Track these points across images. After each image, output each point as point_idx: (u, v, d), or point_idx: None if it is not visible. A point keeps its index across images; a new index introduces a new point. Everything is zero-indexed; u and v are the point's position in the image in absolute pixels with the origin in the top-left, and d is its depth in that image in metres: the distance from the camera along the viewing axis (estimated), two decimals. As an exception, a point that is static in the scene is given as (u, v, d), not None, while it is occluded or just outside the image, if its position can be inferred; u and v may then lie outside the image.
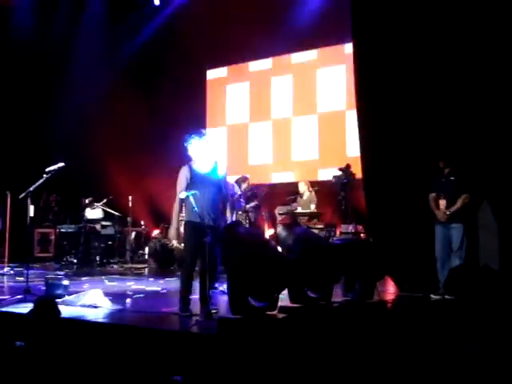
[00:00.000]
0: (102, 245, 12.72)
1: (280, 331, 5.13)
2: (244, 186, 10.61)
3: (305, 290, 5.80)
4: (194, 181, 6.26)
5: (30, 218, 8.08)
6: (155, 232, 12.86)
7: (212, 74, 14.60)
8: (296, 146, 13.27)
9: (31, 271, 8.28)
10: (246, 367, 4.67)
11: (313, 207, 10.67)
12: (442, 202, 7.42)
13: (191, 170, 6.31)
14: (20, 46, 13.82)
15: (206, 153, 6.36)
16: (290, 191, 11.29)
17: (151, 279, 9.83)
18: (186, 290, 6.22)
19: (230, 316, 5.24)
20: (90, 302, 6.78)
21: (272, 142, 13.63)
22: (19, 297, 7.28)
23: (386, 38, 8.03)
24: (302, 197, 10.92)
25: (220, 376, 4.76)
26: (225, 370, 4.74)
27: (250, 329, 5.05)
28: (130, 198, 12.49)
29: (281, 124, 13.52)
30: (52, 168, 7.72)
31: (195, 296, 6.35)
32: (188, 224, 6.30)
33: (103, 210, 12.42)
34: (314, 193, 10.81)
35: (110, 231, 12.86)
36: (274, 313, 5.47)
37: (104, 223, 12.64)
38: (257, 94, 13.91)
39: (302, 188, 10.94)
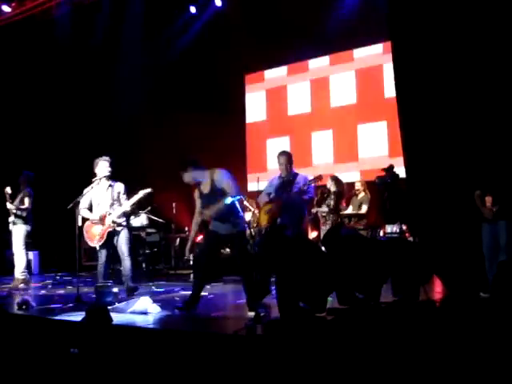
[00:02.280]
0: (148, 251, 12.88)
1: (329, 333, 5.13)
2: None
3: (352, 292, 5.80)
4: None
5: (78, 227, 8.22)
6: (199, 238, 12.95)
7: (250, 79, 14.68)
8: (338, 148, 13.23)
9: (80, 280, 8.44)
10: (295, 370, 4.68)
11: (365, 208, 10.59)
12: (489, 199, 7.32)
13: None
14: (63, 57, 14.10)
15: None
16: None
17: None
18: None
19: (279, 318, 5.27)
20: (139, 308, 6.87)
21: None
22: (70, 305, 7.45)
23: (425, 36, 7.97)
24: (357, 197, 10.86)
25: (270, 379, 4.79)
26: (274, 372, 4.77)
27: (299, 331, 5.06)
28: (174, 204, 12.63)
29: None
30: (98, 177, 7.93)
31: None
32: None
33: (148, 217, 12.56)
34: (369, 195, 10.71)
35: (154, 238, 13.00)
36: (323, 315, 5.49)
37: (149, 230, 12.79)
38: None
39: (359, 187, 10.88)
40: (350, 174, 12.28)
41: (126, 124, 14.12)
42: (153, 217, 12.63)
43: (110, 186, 8.09)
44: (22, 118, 14.97)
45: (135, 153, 12.53)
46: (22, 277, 9.92)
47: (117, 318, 6.32)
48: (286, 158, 7.56)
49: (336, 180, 10.47)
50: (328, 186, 10.47)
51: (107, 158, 8.25)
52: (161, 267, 13.04)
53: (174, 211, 12.68)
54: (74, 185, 9.06)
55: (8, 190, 9.95)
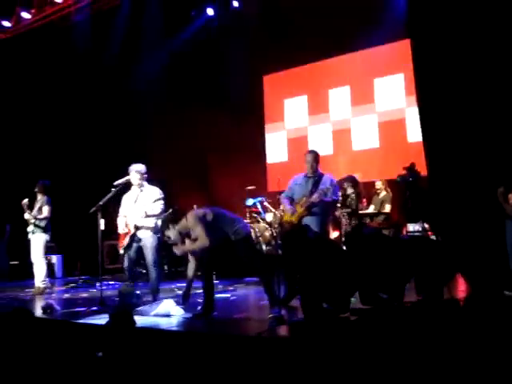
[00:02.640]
0: (170, 254, 12.88)
1: (353, 333, 5.11)
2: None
3: (376, 292, 5.77)
4: None
5: (101, 231, 8.26)
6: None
7: (269, 80, 14.68)
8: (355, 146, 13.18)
9: (103, 283, 8.48)
10: (320, 371, 4.67)
11: (388, 207, 10.54)
12: (511, 196, 7.26)
13: None
14: (81, 62, 14.22)
15: None
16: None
17: (220, 286, 9.91)
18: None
19: (303, 319, 5.27)
20: (163, 311, 6.89)
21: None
22: (94, 308, 7.50)
23: (444, 33, 7.93)
24: (378, 195, 10.82)
25: (294, 380, 4.78)
26: (298, 374, 4.76)
27: (323, 332, 5.05)
28: (195, 206, 12.64)
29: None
30: (120, 181, 7.93)
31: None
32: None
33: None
34: (390, 193, 10.66)
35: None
36: (346, 315, 5.47)
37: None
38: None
39: (379, 186, 10.83)
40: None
41: (145, 126, 14.20)
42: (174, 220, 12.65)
43: (141, 191, 7.94)
44: (41, 122, 15.12)
45: (155, 155, 12.56)
46: (43, 285, 9.98)
47: (140, 320, 6.36)
48: (313, 156, 7.52)
49: (352, 181, 10.43)
50: (345, 187, 10.44)
51: (138, 168, 7.96)
52: (183, 269, 13.05)
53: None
54: (98, 188, 9.11)
55: (25, 201, 10.01)
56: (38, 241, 10.10)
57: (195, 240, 6.67)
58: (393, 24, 10.91)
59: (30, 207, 10.13)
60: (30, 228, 10.12)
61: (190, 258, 7.29)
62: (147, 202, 7.85)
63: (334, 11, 12.10)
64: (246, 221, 11.49)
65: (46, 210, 10.07)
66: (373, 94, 12.96)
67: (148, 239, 7.81)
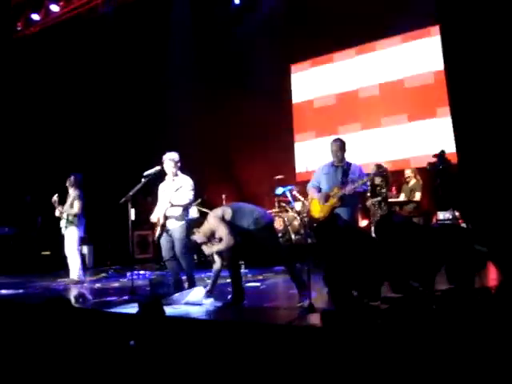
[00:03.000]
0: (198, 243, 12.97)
1: (383, 322, 5.10)
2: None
3: (407, 280, 5.74)
4: None
5: (131, 221, 8.31)
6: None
7: (296, 69, 14.63)
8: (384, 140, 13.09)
9: (134, 272, 8.54)
10: (351, 359, 4.68)
11: (418, 195, 10.47)
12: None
13: None
14: (110, 54, 14.32)
15: None
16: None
17: (249, 275, 9.95)
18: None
19: (334, 308, 5.27)
20: (193, 299, 6.95)
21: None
22: (125, 298, 7.58)
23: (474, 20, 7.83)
24: (407, 184, 10.75)
25: (326, 369, 4.79)
26: (330, 362, 4.77)
27: (354, 321, 5.05)
28: (224, 196, 12.71)
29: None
30: (150, 172, 7.91)
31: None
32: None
33: (198, 209, 12.66)
34: (420, 181, 10.59)
35: (205, 230, 13.10)
36: (377, 304, 5.45)
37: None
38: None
39: (409, 175, 10.76)
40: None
41: (175, 115, 14.26)
42: (203, 209, 12.73)
43: (173, 180, 7.82)
44: (71, 114, 15.28)
45: (186, 145, 12.61)
46: (77, 278, 10.08)
47: (171, 309, 6.44)
48: (339, 145, 7.35)
49: (379, 168, 10.36)
50: (372, 176, 10.36)
51: (171, 156, 7.82)
52: (211, 258, 13.11)
53: (224, 203, 12.75)
54: (128, 179, 9.15)
55: (55, 197, 10.07)
56: (71, 235, 10.18)
57: (220, 239, 6.72)
58: (422, 9, 10.82)
59: (62, 202, 10.20)
60: (63, 223, 10.19)
61: (215, 256, 7.28)
62: (177, 191, 7.76)
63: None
64: (274, 210, 11.54)
65: (76, 206, 10.10)
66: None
67: (176, 229, 7.66)
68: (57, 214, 10.13)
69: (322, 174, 7.42)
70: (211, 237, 6.86)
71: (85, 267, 13.05)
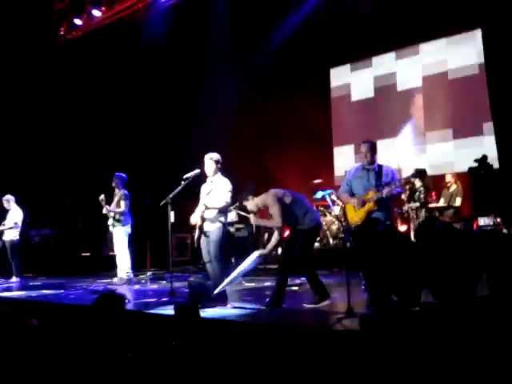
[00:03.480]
0: (237, 247, 13.08)
1: (423, 328, 5.05)
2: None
3: (447, 286, 5.68)
4: None
5: (171, 223, 8.37)
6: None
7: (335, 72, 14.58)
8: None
9: (172, 275, 8.59)
10: (390, 364, 4.65)
11: (459, 200, 10.35)
12: None
13: None
14: (152, 59, 14.47)
15: None
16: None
17: (288, 279, 9.92)
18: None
19: (373, 313, 5.25)
20: (248, 262, 7.19)
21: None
22: (165, 299, 7.64)
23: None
24: (448, 189, 10.64)
25: (364, 373, 4.77)
26: (368, 367, 4.75)
27: (393, 325, 5.02)
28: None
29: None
30: (189, 175, 7.93)
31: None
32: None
33: (237, 213, 12.71)
34: (460, 186, 10.47)
35: (243, 233, 13.20)
36: (417, 309, 5.41)
37: (238, 226, 12.96)
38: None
39: (449, 180, 10.65)
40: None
41: (214, 118, 14.33)
42: (241, 212, 12.77)
43: (212, 182, 7.72)
44: (115, 117, 15.51)
45: (224, 147, 12.65)
46: (126, 277, 10.20)
47: (208, 311, 6.50)
48: (369, 146, 7.12)
49: (420, 174, 10.27)
50: (412, 180, 10.28)
51: (212, 156, 7.74)
52: (250, 262, 13.17)
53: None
54: (167, 181, 9.21)
55: (102, 197, 10.19)
56: (118, 234, 10.33)
57: (270, 217, 6.95)
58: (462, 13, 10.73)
59: (109, 200, 10.33)
60: (110, 221, 10.33)
61: (275, 233, 7.43)
62: (214, 193, 7.67)
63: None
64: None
65: (123, 204, 10.23)
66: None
67: (212, 232, 7.51)
68: (104, 211, 10.26)
69: (353, 177, 7.23)
70: (261, 209, 7.12)
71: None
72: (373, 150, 7.12)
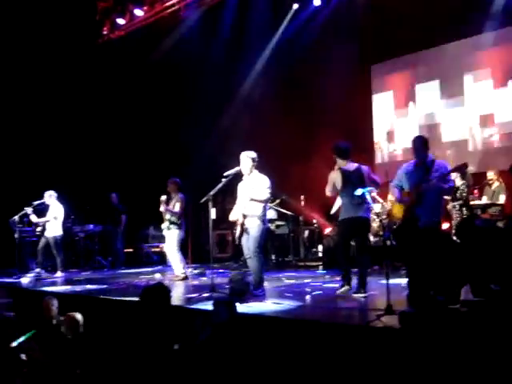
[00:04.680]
0: (277, 244, 13.16)
1: (463, 326, 5.04)
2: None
3: (488, 284, 5.65)
4: None
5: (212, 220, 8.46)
6: (327, 230, 13.01)
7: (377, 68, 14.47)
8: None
9: (213, 270, 8.70)
10: (430, 362, 4.65)
11: (503, 198, 10.21)
12: None
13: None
14: (191, 56, 14.63)
15: None
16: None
17: (327, 276, 9.97)
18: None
19: (412, 310, 5.25)
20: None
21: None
22: (206, 295, 7.74)
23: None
24: (490, 186, 10.52)
25: (404, 371, 4.79)
26: (408, 364, 4.76)
27: (433, 323, 5.02)
28: (302, 197, 12.78)
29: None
30: (230, 172, 7.98)
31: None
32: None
33: (276, 210, 12.77)
34: (503, 183, 10.34)
35: (283, 230, 13.26)
36: (457, 307, 5.40)
37: (278, 223, 13.03)
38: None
39: (492, 177, 10.53)
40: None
41: (251, 117, 14.40)
42: (281, 209, 12.84)
43: (249, 179, 7.80)
44: (158, 116, 15.72)
45: (265, 146, 12.73)
46: (183, 275, 10.32)
47: (248, 307, 6.63)
48: (420, 141, 6.92)
49: (462, 171, 10.16)
50: (453, 178, 10.16)
51: (249, 154, 7.82)
52: (290, 259, 13.25)
53: (303, 203, 12.83)
54: (209, 178, 9.27)
55: (164, 198, 10.29)
56: (172, 236, 10.43)
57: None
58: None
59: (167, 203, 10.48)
60: (165, 224, 10.43)
61: None
62: (254, 189, 7.72)
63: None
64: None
65: (178, 207, 10.34)
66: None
67: (253, 228, 7.59)
68: (161, 208, 10.32)
69: (404, 173, 7.03)
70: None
71: (165, 265, 13.44)
72: (424, 145, 6.89)
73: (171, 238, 10.42)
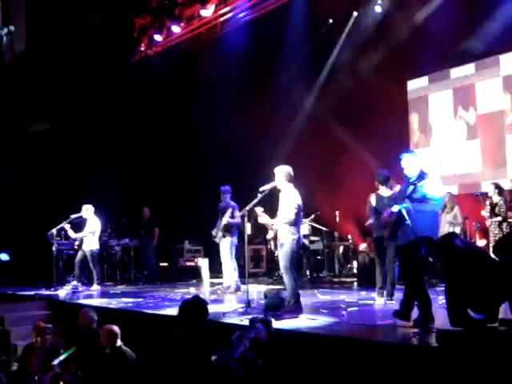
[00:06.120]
0: (311, 259, 13.13)
1: (502, 344, 4.97)
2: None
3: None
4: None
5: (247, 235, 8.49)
6: (362, 246, 12.96)
7: (413, 85, 14.36)
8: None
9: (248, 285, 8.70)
10: (467, 381, 4.60)
11: None
12: None
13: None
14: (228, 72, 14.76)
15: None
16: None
17: (363, 293, 9.90)
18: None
19: (450, 329, 5.20)
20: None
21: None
22: (241, 310, 7.75)
23: None
24: None
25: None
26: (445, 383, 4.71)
27: (471, 342, 4.96)
28: (337, 212, 12.74)
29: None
30: (265, 187, 7.93)
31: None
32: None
33: (310, 225, 12.75)
34: None
35: (318, 246, 13.23)
36: (495, 325, 5.33)
37: (312, 238, 13.00)
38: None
39: None
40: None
41: (284, 131, 14.42)
42: (316, 225, 12.82)
43: (283, 194, 7.67)
44: (194, 129, 15.88)
45: (300, 161, 12.75)
46: (235, 285, 10.37)
47: (284, 322, 6.61)
48: (407, 159, 6.58)
49: (499, 188, 10.12)
50: (490, 195, 10.17)
51: (282, 169, 7.73)
52: (324, 275, 13.20)
53: (338, 219, 12.79)
54: (244, 194, 9.29)
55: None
56: (226, 244, 10.52)
57: None
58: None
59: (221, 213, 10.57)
60: (220, 234, 10.54)
61: None
62: (282, 207, 7.64)
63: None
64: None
65: (237, 215, 10.33)
66: None
67: (284, 244, 7.47)
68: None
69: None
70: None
71: (200, 279, 13.50)
72: (412, 162, 6.59)
73: (226, 246, 10.51)
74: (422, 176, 6.47)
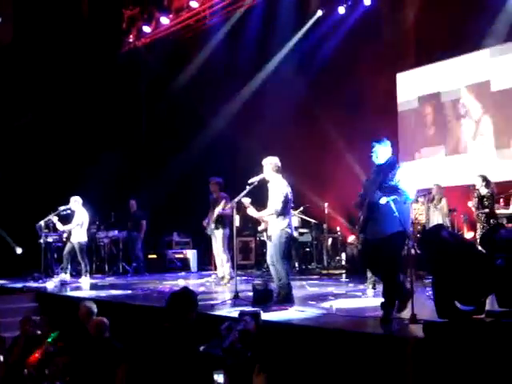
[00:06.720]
0: (300, 251, 13.16)
1: (488, 336, 5.01)
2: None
3: (513, 294, 5.60)
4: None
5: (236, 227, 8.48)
6: (351, 238, 12.99)
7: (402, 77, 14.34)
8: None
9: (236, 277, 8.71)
10: (453, 372, 4.63)
11: None
12: None
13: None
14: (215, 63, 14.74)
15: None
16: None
17: (351, 285, 9.94)
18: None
19: (436, 320, 5.23)
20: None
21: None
22: (229, 302, 7.77)
23: None
24: None
25: (428, 380, 4.77)
26: (431, 374, 4.74)
27: (458, 333, 4.99)
28: (326, 205, 12.75)
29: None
30: (254, 179, 7.91)
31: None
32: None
33: (299, 217, 12.77)
34: None
35: (307, 238, 13.26)
36: (482, 317, 5.36)
37: (301, 230, 13.03)
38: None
39: None
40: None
41: (277, 126, 14.41)
42: (305, 217, 12.85)
43: (271, 185, 7.62)
44: (181, 120, 15.85)
45: (287, 153, 12.77)
46: (228, 276, 10.37)
47: (272, 314, 6.64)
48: (378, 147, 6.45)
49: (486, 180, 10.13)
50: (477, 187, 10.15)
51: (269, 160, 7.67)
52: (313, 266, 13.24)
53: (326, 211, 12.80)
54: (234, 186, 9.29)
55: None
56: (220, 236, 10.51)
57: None
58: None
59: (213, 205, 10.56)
60: (212, 225, 10.53)
61: None
62: (270, 198, 7.58)
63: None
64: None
65: (226, 206, 10.34)
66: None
67: (274, 235, 7.42)
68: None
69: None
70: None
71: (188, 271, 13.49)
72: (382, 148, 6.49)
73: (219, 238, 10.50)
74: (393, 164, 6.39)
